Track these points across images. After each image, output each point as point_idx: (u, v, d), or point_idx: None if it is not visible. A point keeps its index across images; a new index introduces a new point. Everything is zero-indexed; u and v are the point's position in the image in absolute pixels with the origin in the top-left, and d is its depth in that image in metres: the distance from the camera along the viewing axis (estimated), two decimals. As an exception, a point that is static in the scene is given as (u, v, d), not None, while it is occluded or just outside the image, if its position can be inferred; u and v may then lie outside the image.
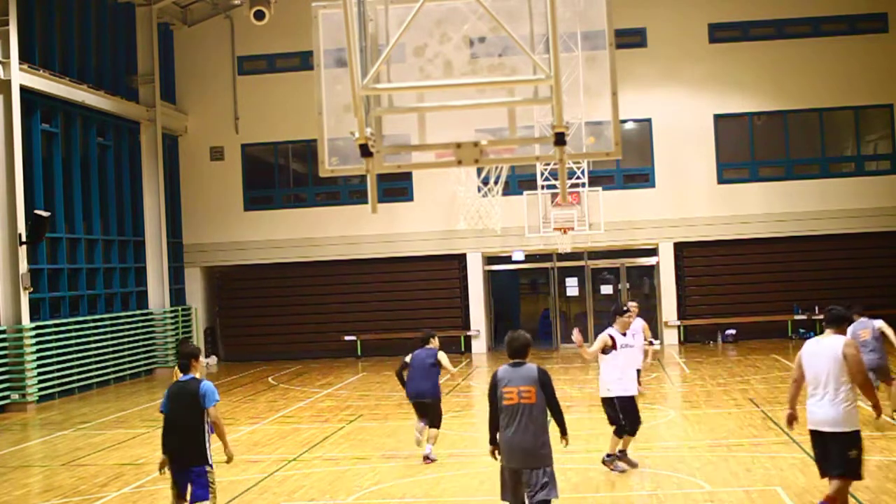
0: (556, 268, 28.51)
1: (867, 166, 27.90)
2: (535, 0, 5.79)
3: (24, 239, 20.41)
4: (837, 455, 8.36)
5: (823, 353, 8.42)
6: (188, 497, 8.79)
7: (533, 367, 7.91)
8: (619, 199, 26.96)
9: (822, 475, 8.60)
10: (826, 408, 8.34)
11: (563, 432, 8.15)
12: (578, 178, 25.85)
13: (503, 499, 7.98)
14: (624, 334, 11.57)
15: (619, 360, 11.42)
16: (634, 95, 26.22)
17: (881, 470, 10.82)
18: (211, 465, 8.80)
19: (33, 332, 20.65)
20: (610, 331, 11.52)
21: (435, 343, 13.08)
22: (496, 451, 8.10)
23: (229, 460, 9.08)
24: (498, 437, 7.95)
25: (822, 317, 9.29)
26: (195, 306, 28.77)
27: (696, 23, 27.63)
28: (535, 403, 7.76)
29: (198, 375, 9.01)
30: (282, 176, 29.45)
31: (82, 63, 24.49)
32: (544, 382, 7.85)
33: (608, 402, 11.62)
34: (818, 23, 27.46)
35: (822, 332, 8.77)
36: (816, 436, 8.51)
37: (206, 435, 8.81)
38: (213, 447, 8.89)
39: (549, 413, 7.93)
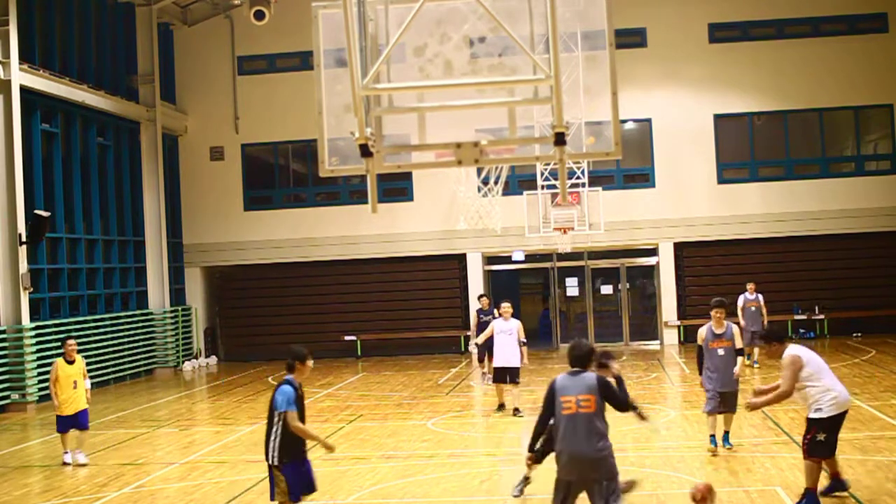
0: (556, 268, 28.50)
1: (867, 166, 27.88)
2: (535, 0, 5.78)
3: (24, 239, 20.41)
4: None
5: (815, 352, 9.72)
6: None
7: (592, 375, 7.74)
8: (619, 199, 26.94)
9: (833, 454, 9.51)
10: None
11: (641, 417, 8.86)
12: (578, 178, 25.83)
13: None
14: None
15: None
16: (634, 95, 26.21)
17: (881, 469, 10.81)
18: (276, 465, 8.58)
19: (33, 332, 20.64)
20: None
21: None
22: (533, 461, 8.61)
23: (330, 450, 8.85)
24: (556, 448, 7.73)
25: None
26: (195, 306, 28.76)
27: (696, 23, 27.61)
28: (594, 412, 7.55)
29: (294, 377, 8.72)
30: (282, 176, 29.43)
31: (82, 63, 24.48)
32: (604, 389, 7.66)
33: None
34: (818, 23, 27.45)
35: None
36: (843, 418, 9.38)
37: (275, 435, 8.58)
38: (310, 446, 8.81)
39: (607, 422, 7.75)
